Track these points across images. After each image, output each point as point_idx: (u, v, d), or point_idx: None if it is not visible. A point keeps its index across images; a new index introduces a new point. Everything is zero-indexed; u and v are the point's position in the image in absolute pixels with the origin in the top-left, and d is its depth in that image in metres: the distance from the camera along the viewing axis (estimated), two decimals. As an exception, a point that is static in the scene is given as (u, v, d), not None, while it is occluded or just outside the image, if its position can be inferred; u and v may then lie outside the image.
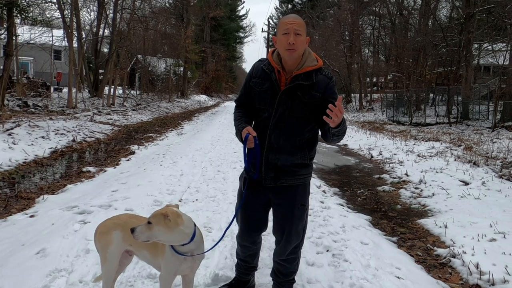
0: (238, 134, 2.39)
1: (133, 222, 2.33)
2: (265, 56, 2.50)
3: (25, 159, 7.30)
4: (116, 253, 2.27)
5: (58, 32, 20.08)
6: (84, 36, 23.52)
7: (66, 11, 18.38)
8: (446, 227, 4.36)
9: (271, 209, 2.54)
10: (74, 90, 17.17)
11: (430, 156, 8.67)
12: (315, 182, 6.49)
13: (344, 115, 2.12)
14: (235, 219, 2.56)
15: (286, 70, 2.33)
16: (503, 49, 19.25)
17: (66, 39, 18.00)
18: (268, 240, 3.46)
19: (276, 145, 2.35)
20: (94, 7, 24.47)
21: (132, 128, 14.48)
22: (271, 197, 2.45)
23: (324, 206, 5.01)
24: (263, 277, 2.93)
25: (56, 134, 9.76)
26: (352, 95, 30.54)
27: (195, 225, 2.18)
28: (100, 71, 23.10)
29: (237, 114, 2.52)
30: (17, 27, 16.14)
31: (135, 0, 23.56)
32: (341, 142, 12.14)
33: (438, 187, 6.23)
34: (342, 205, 5.29)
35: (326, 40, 29.43)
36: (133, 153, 8.82)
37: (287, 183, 2.39)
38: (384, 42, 31.61)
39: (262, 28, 54.28)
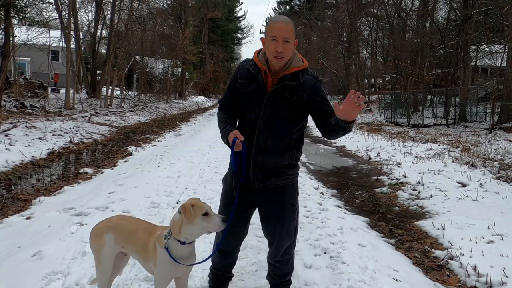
0: (224, 137, 2.34)
1: (124, 225, 2.32)
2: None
3: (22, 160, 7.27)
4: (109, 255, 2.27)
5: (56, 33, 20.07)
6: (81, 37, 23.51)
7: (63, 11, 18.35)
8: (443, 229, 4.36)
9: (258, 212, 2.50)
10: (71, 91, 17.13)
11: (428, 157, 8.67)
12: (313, 183, 6.49)
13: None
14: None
15: (273, 71, 2.31)
16: (500, 50, 19.33)
17: (63, 40, 17.97)
18: (265, 242, 3.44)
19: (264, 146, 2.32)
20: (92, 8, 24.50)
21: (130, 129, 14.44)
22: (259, 198, 2.42)
23: (322, 208, 5.00)
24: (260, 279, 2.92)
25: (53, 135, 9.73)
26: (350, 96, 30.51)
27: None
28: (98, 72, 23.08)
29: (221, 116, 2.48)
30: (15, 28, 16.11)
31: (133, 1, 23.54)
32: (339, 143, 12.15)
33: (435, 188, 6.22)
34: (340, 207, 5.28)
35: (324, 41, 29.50)
36: (131, 154, 8.79)
37: (275, 183, 2.38)
38: (382, 44, 31.71)
39: (260, 30, 54.12)
